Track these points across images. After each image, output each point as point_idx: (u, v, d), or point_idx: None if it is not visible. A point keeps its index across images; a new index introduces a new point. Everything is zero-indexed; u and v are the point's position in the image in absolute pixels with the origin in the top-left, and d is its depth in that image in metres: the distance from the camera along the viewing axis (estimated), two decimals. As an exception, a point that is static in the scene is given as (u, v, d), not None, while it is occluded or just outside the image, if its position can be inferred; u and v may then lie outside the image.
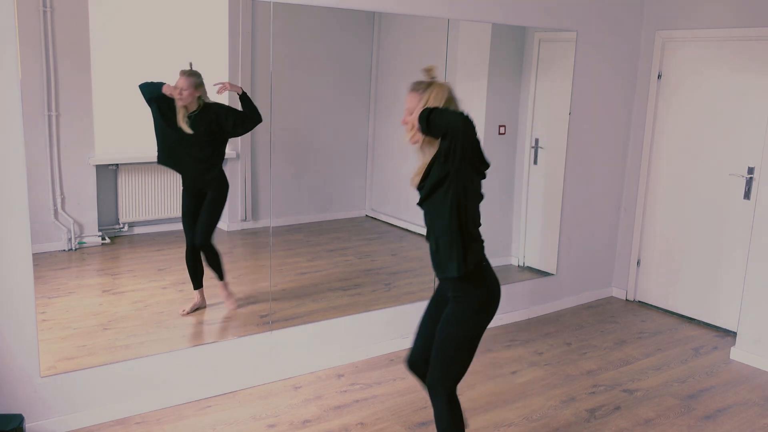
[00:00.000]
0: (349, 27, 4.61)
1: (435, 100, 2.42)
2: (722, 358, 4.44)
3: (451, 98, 2.47)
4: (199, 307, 3.91)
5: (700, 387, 4.02)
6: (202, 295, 3.92)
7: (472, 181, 2.45)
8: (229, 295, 4.02)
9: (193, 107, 3.69)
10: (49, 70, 3.35)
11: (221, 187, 3.95)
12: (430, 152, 2.47)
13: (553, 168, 5.08)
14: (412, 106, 2.47)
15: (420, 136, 2.46)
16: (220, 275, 3.98)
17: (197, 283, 3.92)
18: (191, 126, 3.70)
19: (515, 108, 5.08)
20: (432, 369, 2.57)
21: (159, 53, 3.76)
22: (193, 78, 3.66)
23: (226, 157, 4.07)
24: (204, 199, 3.90)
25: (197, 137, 3.74)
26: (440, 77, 2.52)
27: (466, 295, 2.52)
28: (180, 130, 3.69)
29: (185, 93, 3.64)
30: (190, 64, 3.67)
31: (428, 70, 2.50)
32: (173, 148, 3.78)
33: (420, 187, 2.52)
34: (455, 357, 2.54)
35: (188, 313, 3.85)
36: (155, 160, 3.81)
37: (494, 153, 4.97)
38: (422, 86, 2.47)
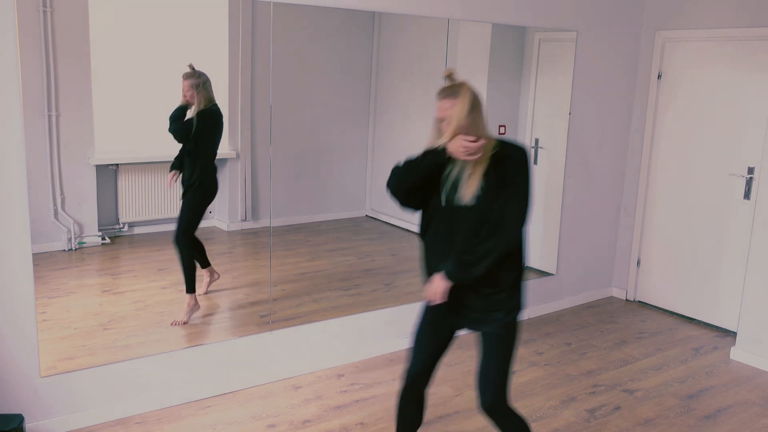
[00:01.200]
0: (349, 27, 4.61)
1: (464, 109, 2.32)
2: (722, 358, 4.44)
3: (477, 103, 2.38)
4: (211, 282, 4.00)
5: (700, 387, 4.02)
6: (211, 271, 3.97)
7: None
8: (189, 309, 3.85)
9: (201, 106, 3.72)
10: (49, 70, 3.34)
11: (197, 190, 3.85)
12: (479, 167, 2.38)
13: (553, 168, 5.08)
14: (445, 115, 2.36)
15: (477, 152, 2.33)
16: (188, 286, 3.84)
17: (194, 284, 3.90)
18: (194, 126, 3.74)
19: (515, 108, 5.08)
20: (495, 391, 2.47)
21: (159, 53, 3.76)
22: (191, 79, 3.70)
23: (225, 157, 4.07)
24: None
25: (192, 136, 3.77)
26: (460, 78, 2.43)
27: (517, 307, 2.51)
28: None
29: (187, 95, 3.71)
30: (190, 66, 3.68)
31: (449, 75, 2.39)
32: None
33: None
34: (510, 371, 2.52)
35: (186, 321, 3.85)
36: (155, 160, 3.82)
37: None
38: (453, 90, 2.36)
